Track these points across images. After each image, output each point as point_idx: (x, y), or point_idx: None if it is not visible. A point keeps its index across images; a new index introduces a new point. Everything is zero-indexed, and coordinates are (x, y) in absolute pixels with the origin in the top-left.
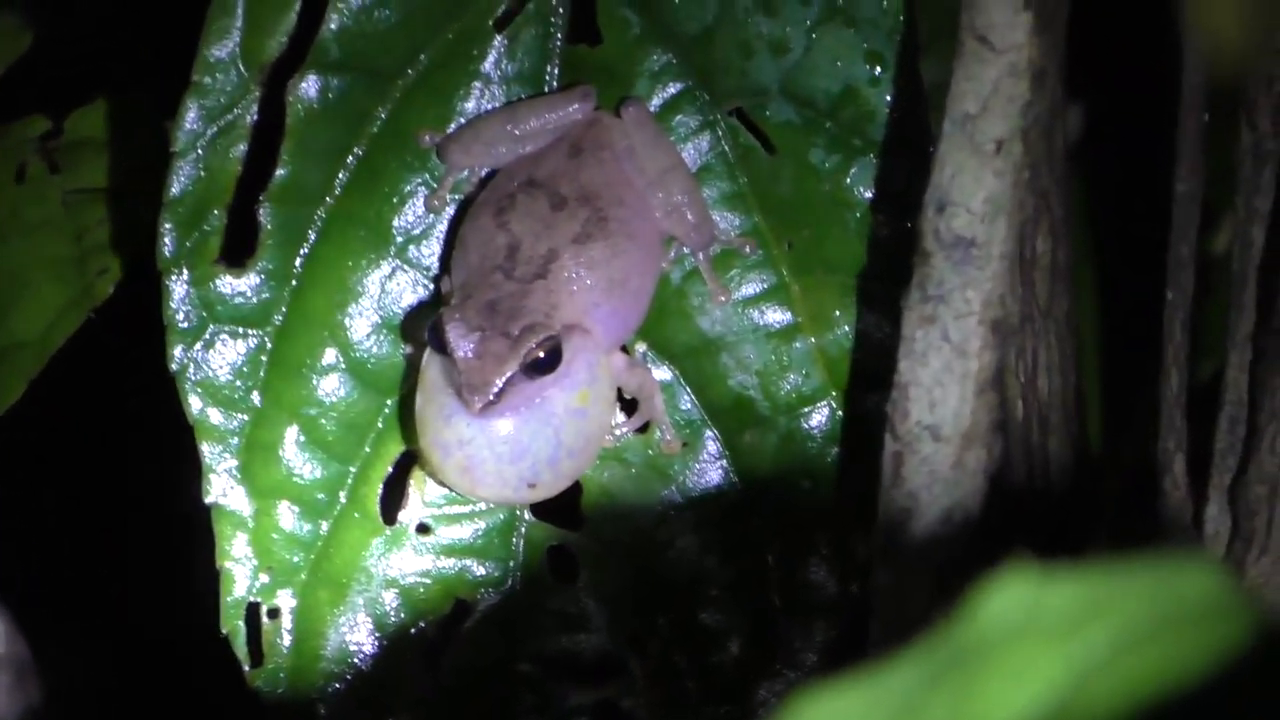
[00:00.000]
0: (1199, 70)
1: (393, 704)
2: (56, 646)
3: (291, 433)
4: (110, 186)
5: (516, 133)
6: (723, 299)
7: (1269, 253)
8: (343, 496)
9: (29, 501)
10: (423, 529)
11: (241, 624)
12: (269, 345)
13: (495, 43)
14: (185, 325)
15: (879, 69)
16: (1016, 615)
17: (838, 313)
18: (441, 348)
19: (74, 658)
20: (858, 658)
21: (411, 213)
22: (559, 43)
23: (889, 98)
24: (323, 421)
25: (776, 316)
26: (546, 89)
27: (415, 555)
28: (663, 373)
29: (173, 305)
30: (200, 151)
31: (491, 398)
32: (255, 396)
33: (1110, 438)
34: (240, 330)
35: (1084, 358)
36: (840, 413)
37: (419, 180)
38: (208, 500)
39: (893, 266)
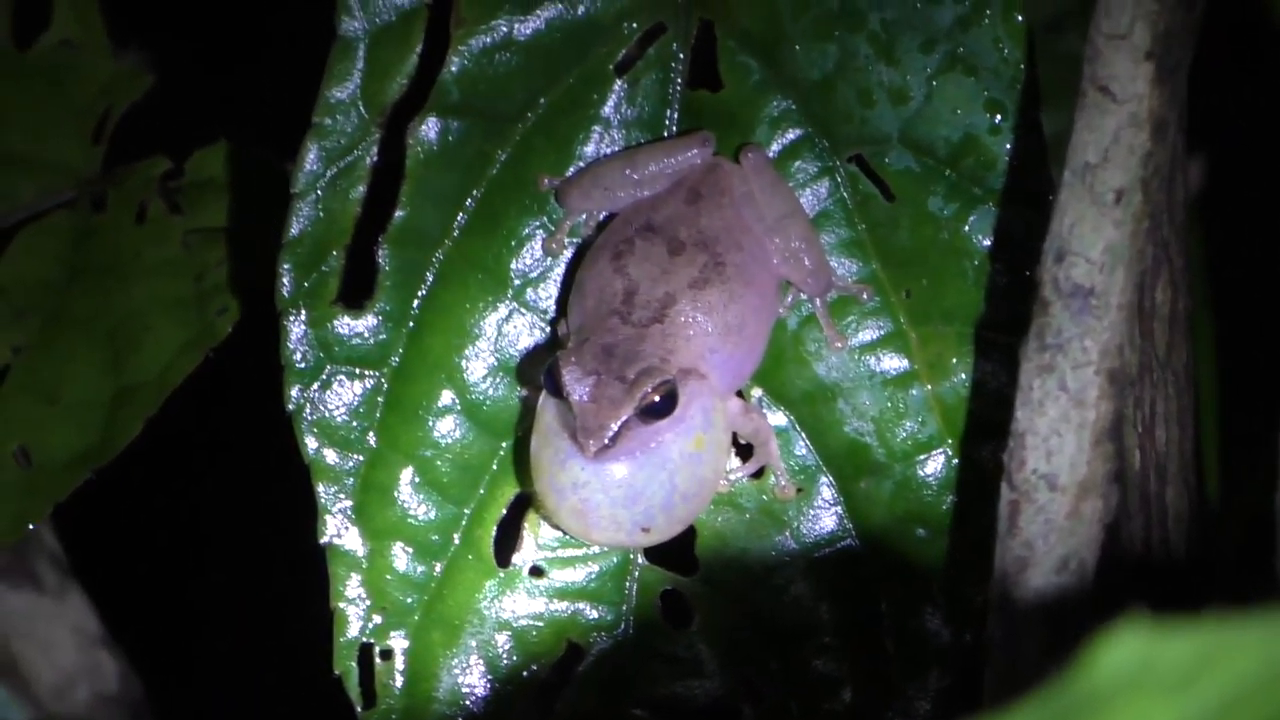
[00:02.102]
0: None
1: None
2: (170, 687)
3: (407, 474)
4: (230, 227)
5: (635, 177)
6: (839, 345)
7: None
8: (457, 538)
9: (144, 540)
10: (536, 572)
11: (354, 665)
12: (386, 386)
13: (615, 87)
14: (303, 365)
15: (999, 118)
16: (1130, 670)
17: (955, 360)
18: (557, 391)
19: (188, 698)
20: (972, 708)
21: (529, 256)
22: (679, 88)
23: (1009, 147)
24: (438, 463)
25: (893, 364)
26: (666, 134)
27: (528, 598)
28: (778, 418)
29: (290, 345)
30: (320, 193)
31: (607, 441)
32: (371, 437)
33: (1228, 490)
34: (357, 371)
35: (1202, 409)
36: (956, 461)
37: (537, 224)
38: (322, 540)
39: (1011, 315)
